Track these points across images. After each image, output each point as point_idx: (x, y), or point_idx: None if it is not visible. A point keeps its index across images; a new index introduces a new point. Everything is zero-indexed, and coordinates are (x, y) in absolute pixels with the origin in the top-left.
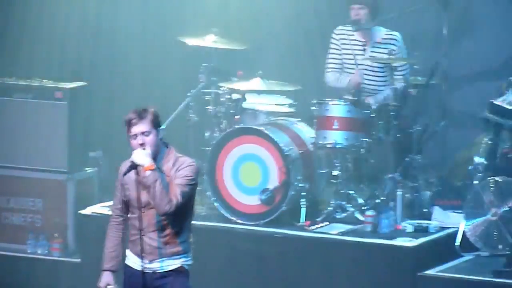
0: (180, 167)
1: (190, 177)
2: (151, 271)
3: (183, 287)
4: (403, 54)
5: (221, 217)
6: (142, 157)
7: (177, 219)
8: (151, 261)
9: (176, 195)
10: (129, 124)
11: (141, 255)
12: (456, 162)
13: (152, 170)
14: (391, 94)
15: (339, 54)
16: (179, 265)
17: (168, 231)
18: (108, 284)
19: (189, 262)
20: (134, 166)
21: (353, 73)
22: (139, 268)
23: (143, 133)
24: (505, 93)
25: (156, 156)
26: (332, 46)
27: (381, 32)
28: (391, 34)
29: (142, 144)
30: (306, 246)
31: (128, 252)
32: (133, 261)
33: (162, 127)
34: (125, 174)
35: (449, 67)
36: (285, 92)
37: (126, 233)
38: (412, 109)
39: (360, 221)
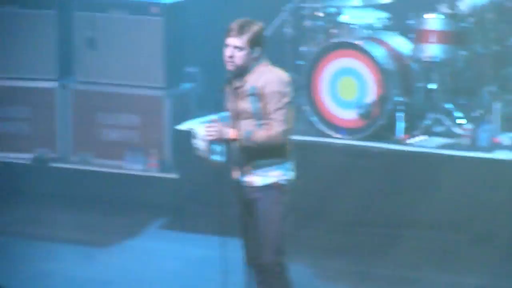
0: (267, 81)
1: (281, 93)
2: (246, 184)
3: (275, 202)
4: None
5: (318, 132)
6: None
7: None
8: (245, 174)
9: (277, 126)
10: (228, 33)
11: (237, 167)
12: None
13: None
14: (488, 6)
15: None
16: (273, 180)
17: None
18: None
19: (286, 177)
20: (229, 79)
21: None
22: (238, 180)
23: (236, 47)
24: None
25: (243, 73)
26: None
27: None
28: None
29: (230, 57)
30: (404, 160)
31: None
32: (235, 173)
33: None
34: (219, 90)
35: None
36: (381, 6)
37: None
38: (509, 21)
39: (457, 134)
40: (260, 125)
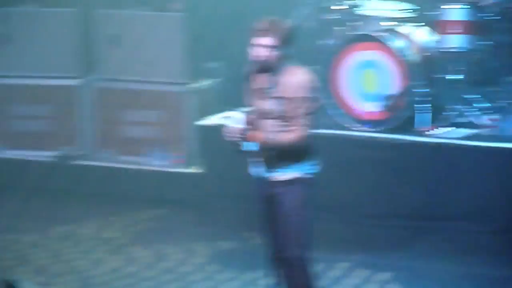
0: (297, 86)
1: (309, 99)
2: (270, 179)
3: (298, 196)
4: None
5: (341, 125)
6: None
7: None
8: (268, 170)
9: (302, 131)
10: (256, 32)
11: (261, 163)
12: None
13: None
14: None
15: None
16: (296, 175)
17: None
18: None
19: (309, 172)
20: (252, 76)
21: None
22: (260, 175)
23: (265, 46)
24: None
25: (271, 72)
26: None
27: None
28: None
29: (259, 57)
30: (428, 151)
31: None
32: (259, 169)
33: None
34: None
35: None
36: None
37: None
38: None
39: (483, 125)
40: (285, 126)
